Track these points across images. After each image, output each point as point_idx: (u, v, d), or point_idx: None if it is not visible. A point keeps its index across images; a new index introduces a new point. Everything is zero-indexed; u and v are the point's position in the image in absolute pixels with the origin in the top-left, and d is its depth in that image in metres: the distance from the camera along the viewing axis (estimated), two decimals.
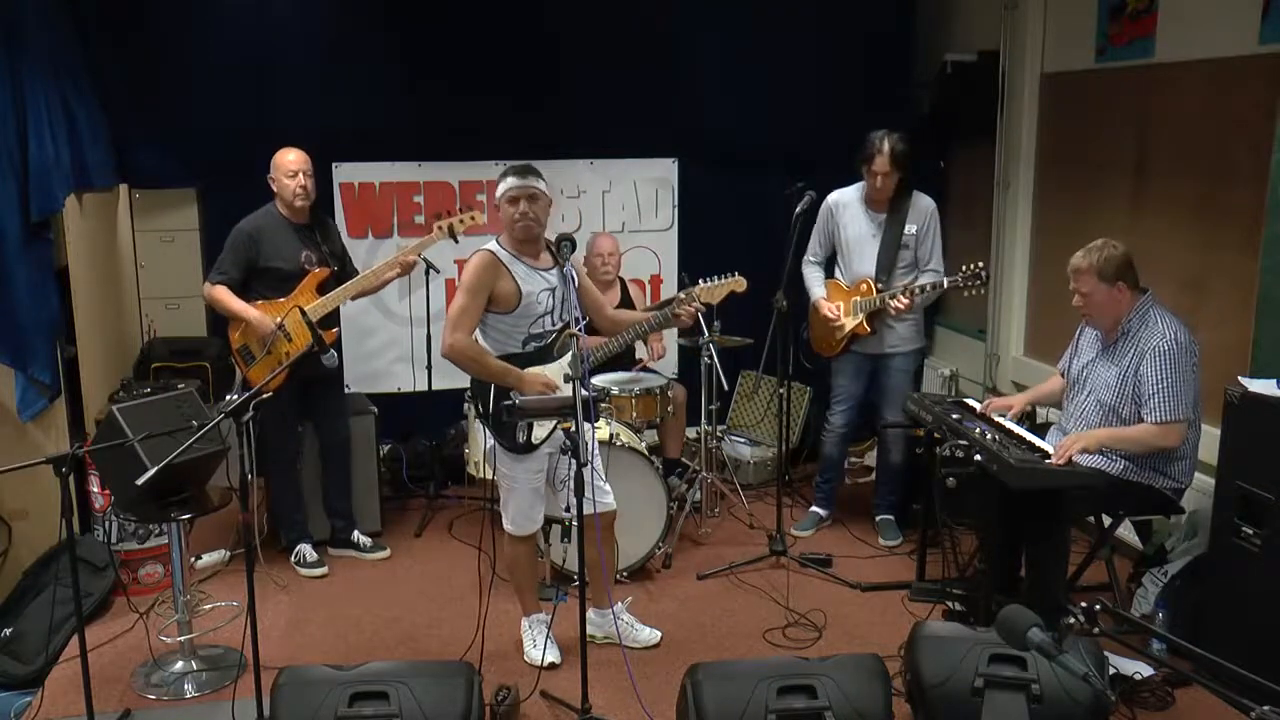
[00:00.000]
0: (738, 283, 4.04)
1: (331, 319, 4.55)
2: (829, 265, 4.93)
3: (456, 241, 4.69)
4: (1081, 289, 3.74)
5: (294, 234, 4.48)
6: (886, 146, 4.53)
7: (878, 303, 4.66)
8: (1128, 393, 3.69)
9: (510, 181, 3.58)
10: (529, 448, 3.63)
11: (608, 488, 3.81)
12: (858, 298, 4.75)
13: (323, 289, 4.49)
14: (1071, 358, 4.03)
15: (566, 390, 3.53)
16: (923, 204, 4.73)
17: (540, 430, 3.62)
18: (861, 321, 4.72)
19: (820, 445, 5.13)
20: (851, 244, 4.77)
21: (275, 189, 4.46)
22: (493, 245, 3.64)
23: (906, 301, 4.57)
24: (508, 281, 3.56)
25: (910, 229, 4.70)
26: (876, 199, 4.70)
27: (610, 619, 3.91)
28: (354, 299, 4.64)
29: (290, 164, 4.42)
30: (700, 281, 4.05)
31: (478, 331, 3.63)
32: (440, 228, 4.59)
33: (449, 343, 3.54)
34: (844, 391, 4.94)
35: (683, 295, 3.90)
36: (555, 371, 3.65)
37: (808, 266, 4.90)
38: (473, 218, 4.62)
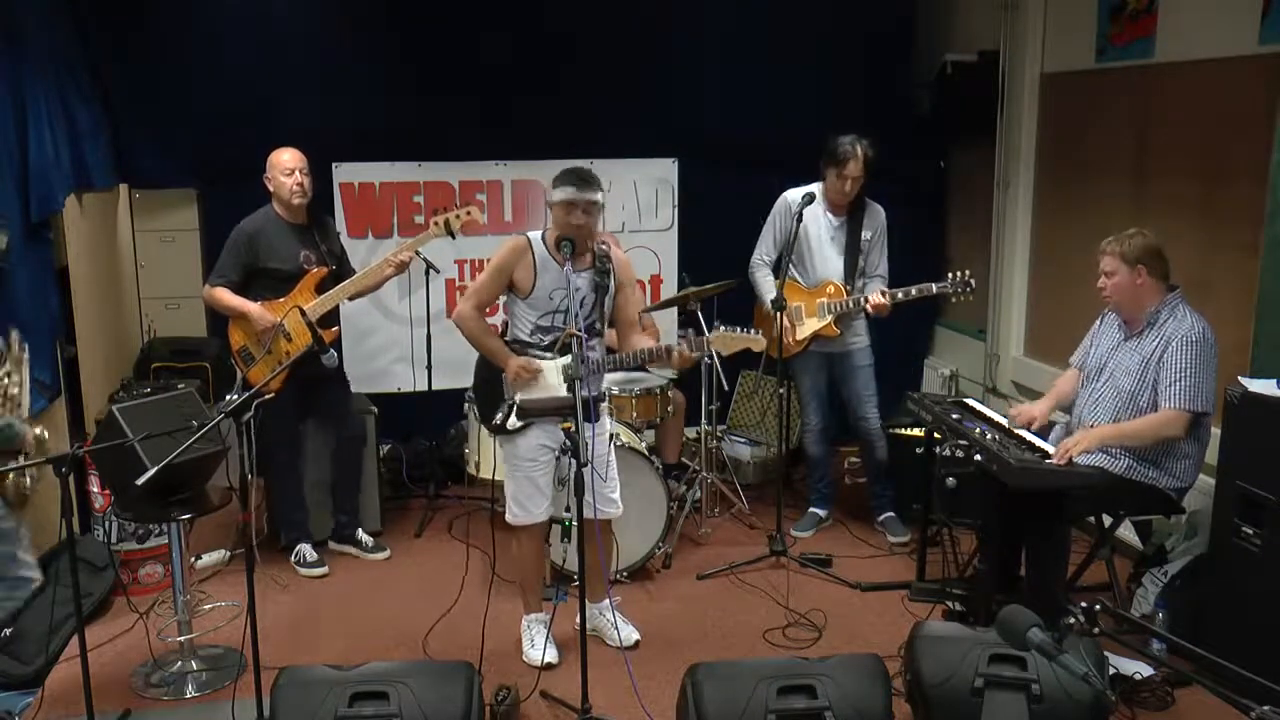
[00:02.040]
0: (756, 341, 3.81)
1: (331, 318, 4.55)
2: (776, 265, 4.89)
3: (454, 238, 4.68)
4: (1105, 269, 3.75)
5: (292, 234, 4.48)
6: (859, 151, 4.56)
7: (850, 305, 4.69)
8: (1149, 379, 3.69)
9: (569, 191, 3.60)
10: (502, 430, 3.73)
11: (617, 498, 3.87)
12: (824, 299, 4.76)
13: (321, 288, 4.49)
14: (1089, 349, 4.01)
15: (562, 390, 3.54)
16: (877, 210, 4.80)
17: (515, 418, 3.70)
18: (830, 323, 4.75)
19: (803, 448, 5.16)
20: (813, 245, 4.78)
21: (272, 188, 4.46)
22: (533, 233, 3.73)
23: (886, 303, 4.61)
24: (527, 269, 3.65)
25: (866, 234, 4.76)
26: (840, 203, 4.72)
27: (598, 613, 3.95)
28: (352, 298, 4.64)
29: (286, 162, 4.42)
30: (720, 327, 3.88)
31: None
32: (437, 223, 4.58)
33: (459, 309, 3.76)
34: (811, 390, 4.98)
35: (688, 343, 3.82)
36: (553, 368, 3.67)
37: (759, 270, 4.88)
38: (469, 213, 4.61)
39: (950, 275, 4.58)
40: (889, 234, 4.86)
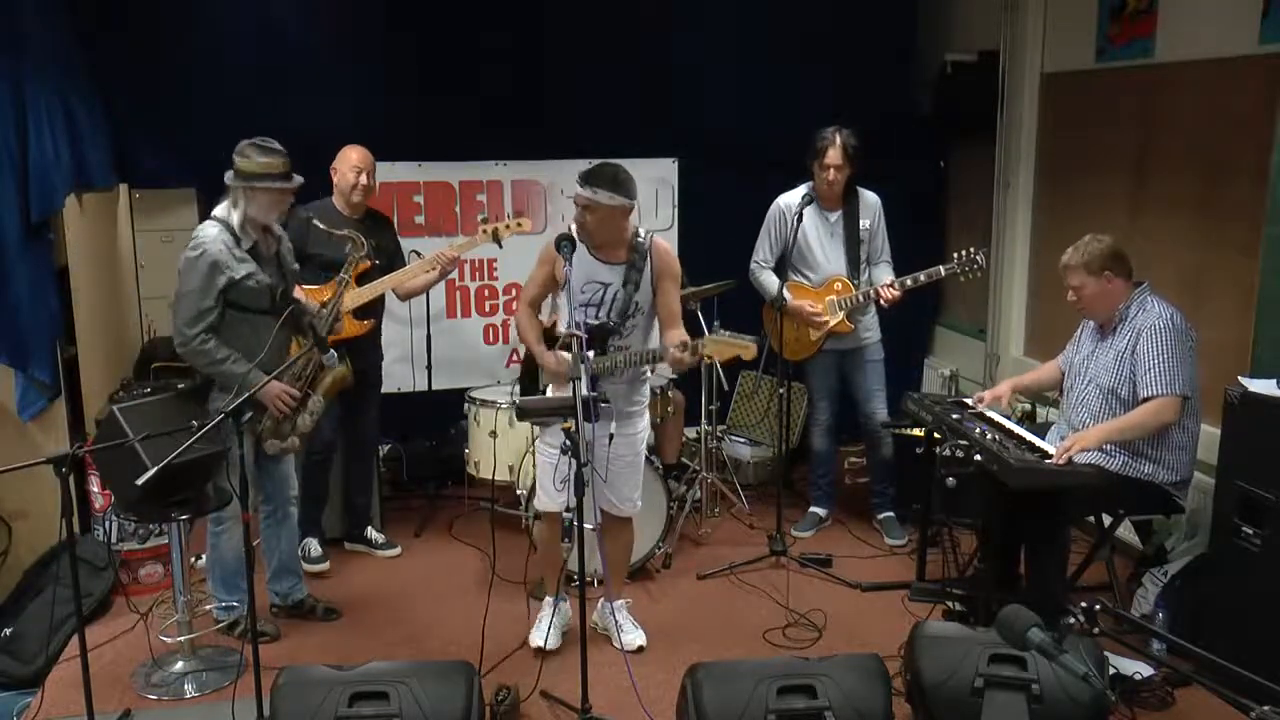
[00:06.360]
0: (746, 349, 3.66)
1: (370, 310, 4.55)
2: (779, 269, 4.86)
3: (500, 246, 4.71)
4: (1072, 284, 3.79)
5: (345, 226, 4.49)
6: (839, 140, 4.58)
7: (861, 299, 4.68)
8: (1125, 373, 3.72)
9: (575, 188, 3.67)
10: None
11: (638, 498, 3.93)
12: (833, 296, 4.76)
13: (363, 281, 4.49)
14: (1074, 352, 4.03)
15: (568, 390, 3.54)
16: (871, 199, 4.79)
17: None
18: (843, 319, 4.74)
19: (809, 443, 5.16)
20: (813, 244, 4.78)
21: (335, 179, 4.50)
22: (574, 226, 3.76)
23: (898, 292, 4.61)
24: (559, 261, 3.66)
25: (864, 224, 4.76)
26: (828, 196, 4.71)
27: (608, 613, 3.96)
28: (403, 298, 4.74)
29: (355, 161, 4.49)
30: (719, 329, 4.03)
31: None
32: (485, 230, 4.59)
33: (517, 306, 3.89)
34: (823, 388, 4.98)
35: (681, 347, 3.75)
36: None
37: (762, 272, 4.86)
38: (520, 224, 4.64)
39: (957, 255, 4.55)
40: (889, 226, 4.85)
